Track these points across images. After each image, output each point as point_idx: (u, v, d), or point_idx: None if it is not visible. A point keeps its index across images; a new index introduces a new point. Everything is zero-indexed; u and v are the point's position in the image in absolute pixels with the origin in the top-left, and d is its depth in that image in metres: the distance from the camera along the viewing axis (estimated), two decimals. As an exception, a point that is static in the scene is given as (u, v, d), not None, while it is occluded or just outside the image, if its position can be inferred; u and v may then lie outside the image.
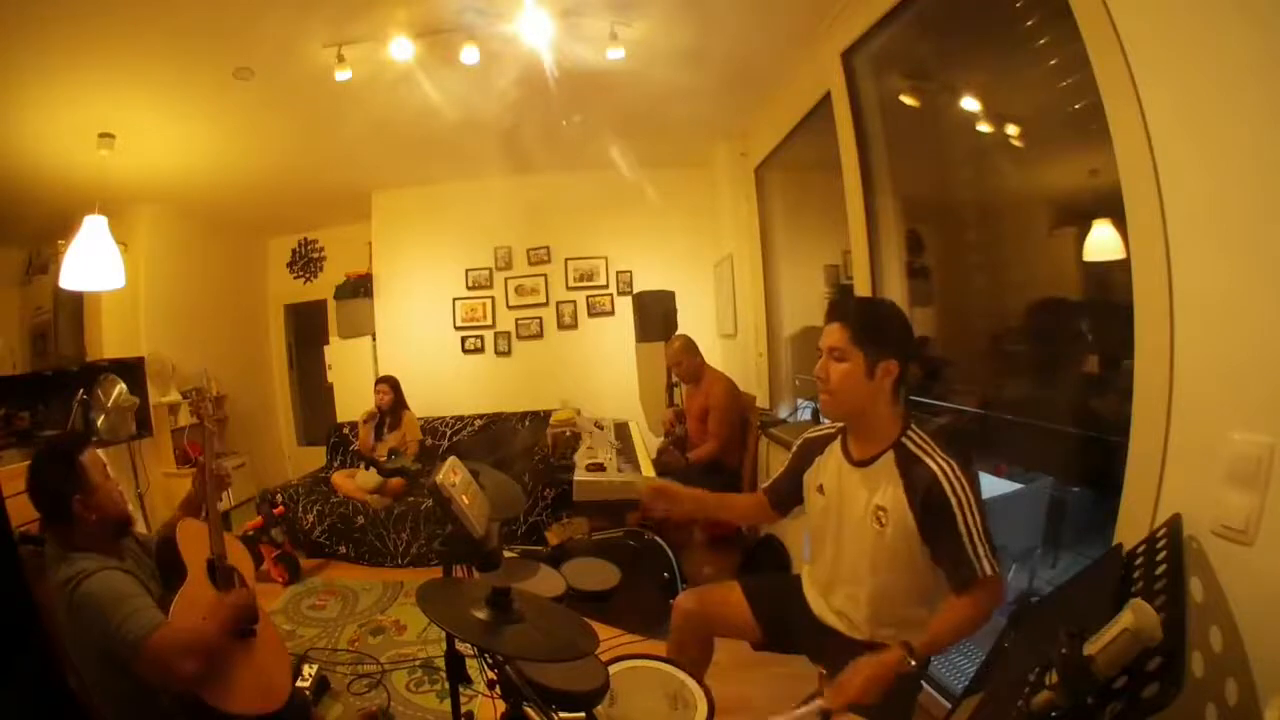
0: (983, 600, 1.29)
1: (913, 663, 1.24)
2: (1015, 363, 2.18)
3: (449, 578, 1.67)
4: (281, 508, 3.86)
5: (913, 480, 1.33)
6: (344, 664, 2.62)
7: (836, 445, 1.53)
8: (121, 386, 3.73)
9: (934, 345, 2.41)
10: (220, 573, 1.63)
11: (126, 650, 1.31)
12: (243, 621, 1.57)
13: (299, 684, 2.24)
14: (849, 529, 1.44)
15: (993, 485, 2.12)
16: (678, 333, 3.66)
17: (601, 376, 4.74)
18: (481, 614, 1.14)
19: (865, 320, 1.41)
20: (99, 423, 3.66)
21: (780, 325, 3.78)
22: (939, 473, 1.30)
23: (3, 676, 0.85)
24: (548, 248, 4.90)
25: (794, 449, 1.67)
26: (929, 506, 1.30)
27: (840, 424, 1.55)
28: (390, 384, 4.22)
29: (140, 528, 1.79)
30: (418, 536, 3.71)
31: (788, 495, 1.65)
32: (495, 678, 1.24)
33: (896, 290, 2.43)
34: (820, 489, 1.52)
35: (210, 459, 1.81)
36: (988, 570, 1.26)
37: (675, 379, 3.73)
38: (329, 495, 4.02)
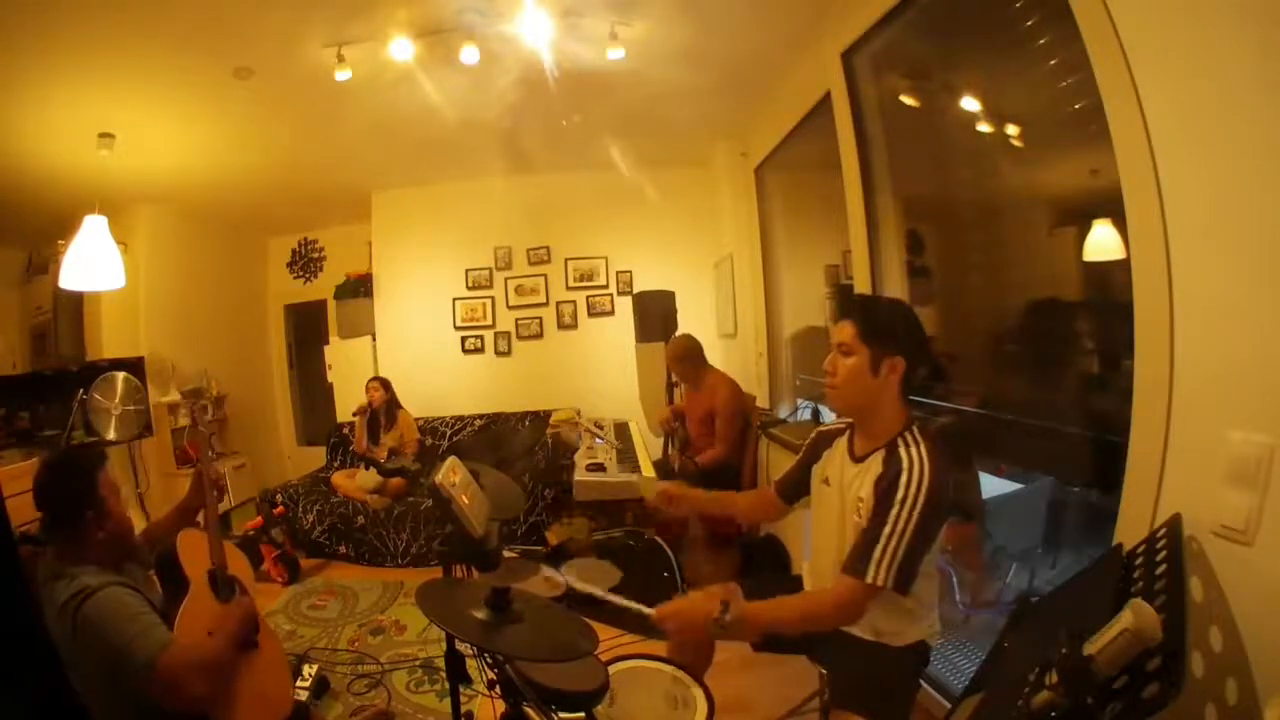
0: (843, 599, 1.28)
1: (716, 617, 1.24)
2: (1015, 362, 2.18)
3: (449, 578, 1.68)
4: (281, 508, 3.86)
5: (886, 469, 1.34)
6: (344, 664, 2.62)
7: (843, 440, 1.54)
8: (125, 378, 3.73)
9: (936, 344, 2.41)
10: (221, 583, 1.62)
11: (137, 670, 1.27)
12: (247, 633, 1.56)
13: (299, 684, 2.24)
14: (848, 523, 1.45)
15: (993, 485, 2.12)
16: (681, 334, 3.59)
17: (601, 376, 4.74)
18: (481, 614, 1.14)
19: (873, 317, 1.43)
20: (109, 424, 3.66)
21: (780, 325, 3.77)
22: (905, 465, 1.31)
23: (4, 676, 0.85)
24: (548, 248, 4.90)
25: (807, 441, 1.69)
26: (882, 491, 1.31)
27: (850, 420, 1.56)
28: (382, 382, 4.24)
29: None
30: (418, 536, 3.71)
31: (797, 485, 1.67)
32: (495, 678, 1.24)
33: (897, 290, 2.43)
34: (826, 481, 1.54)
35: (207, 464, 1.77)
36: (879, 579, 1.24)
37: (675, 379, 3.72)
38: (329, 495, 4.02)
